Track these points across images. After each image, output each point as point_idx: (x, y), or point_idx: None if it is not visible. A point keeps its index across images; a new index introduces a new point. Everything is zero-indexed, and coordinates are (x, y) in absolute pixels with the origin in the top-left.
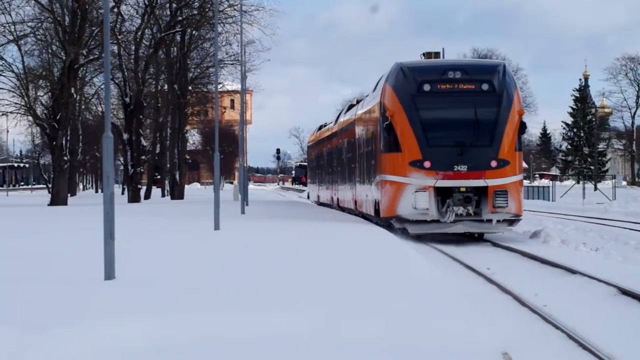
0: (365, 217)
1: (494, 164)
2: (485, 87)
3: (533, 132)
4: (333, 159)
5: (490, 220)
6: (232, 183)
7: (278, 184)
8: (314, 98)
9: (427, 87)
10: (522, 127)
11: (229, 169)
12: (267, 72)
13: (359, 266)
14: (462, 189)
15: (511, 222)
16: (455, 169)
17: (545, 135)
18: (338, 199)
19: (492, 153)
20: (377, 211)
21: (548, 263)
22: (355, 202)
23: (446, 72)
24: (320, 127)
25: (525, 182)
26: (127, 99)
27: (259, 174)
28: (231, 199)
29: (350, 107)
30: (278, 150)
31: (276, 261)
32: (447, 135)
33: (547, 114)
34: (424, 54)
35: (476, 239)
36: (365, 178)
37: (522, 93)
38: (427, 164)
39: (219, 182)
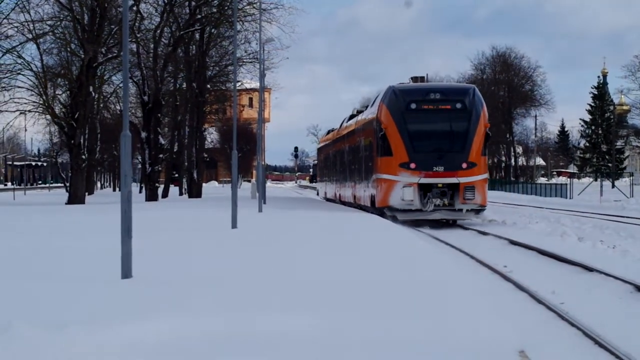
0: (362, 208)
1: (464, 165)
2: (458, 105)
3: (551, 130)
4: (337, 161)
5: (461, 210)
6: (249, 181)
7: (296, 182)
8: (333, 96)
9: (413, 106)
10: (487, 137)
11: (246, 167)
12: (286, 70)
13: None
14: (440, 185)
15: (478, 211)
16: (434, 170)
17: (563, 133)
18: (340, 194)
19: (463, 157)
20: (372, 203)
21: (565, 261)
22: (354, 196)
23: (428, 93)
24: (329, 132)
25: (543, 180)
26: (146, 98)
27: (276, 172)
28: (249, 197)
29: (352, 116)
30: (296, 149)
31: (293, 262)
32: (429, 143)
33: (565, 111)
34: (411, 78)
35: (466, 228)
36: (363, 176)
37: (541, 91)
38: (412, 165)
39: (236, 180)
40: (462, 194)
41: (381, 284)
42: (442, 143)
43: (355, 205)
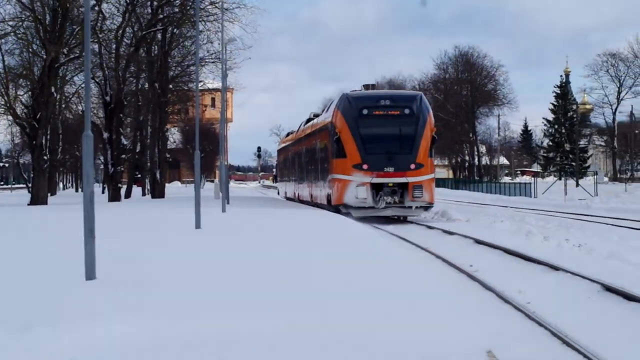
0: (318, 206)
1: (412, 166)
2: (406, 111)
3: (514, 129)
4: (295, 162)
5: (410, 207)
6: (212, 181)
7: (259, 182)
8: (296, 96)
9: (365, 112)
10: (433, 140)
11: (209, 168)
12: (249, 70)
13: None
14: (390, 184)
15: (426, 208)
16: (385, 170)
17: (526, 132)
18: (299, 194)
19: (411, 158)
20: (328, 201)
21: (531, 260)
22: (311, 195)
23: (379, 100)
24: (288, 134)
25: (507, 179)
26: (108, 98)
27: (240, 172)
28: (212, 197)
29: (309, 120)
30: (259, 149)
31: (259, 261)
32: (380, 146)
33: (528, 110)
34: (364, 86)
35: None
36: (320, 177)
37: (504, 90)
38: (365, 166)
39: (199, 180)
40: (411, 192)
41: (343, 282)
42: (392, 146)
43: (312, 203)
